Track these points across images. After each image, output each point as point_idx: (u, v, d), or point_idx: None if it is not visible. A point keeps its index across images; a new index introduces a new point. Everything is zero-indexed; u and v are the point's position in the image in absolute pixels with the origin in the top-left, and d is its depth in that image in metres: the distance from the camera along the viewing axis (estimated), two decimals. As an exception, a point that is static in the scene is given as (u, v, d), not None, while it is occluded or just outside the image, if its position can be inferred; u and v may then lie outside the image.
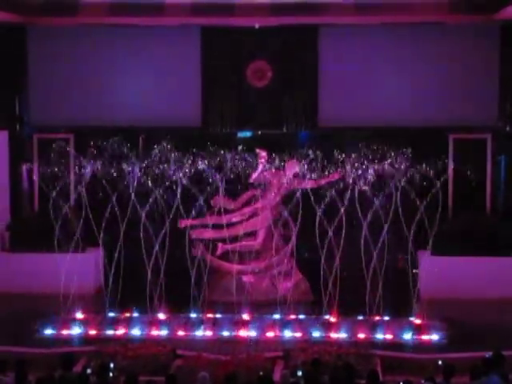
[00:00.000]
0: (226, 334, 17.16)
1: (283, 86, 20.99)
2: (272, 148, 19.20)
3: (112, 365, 13.52)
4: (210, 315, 18.07)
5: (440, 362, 13.90)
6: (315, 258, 18.39)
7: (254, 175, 19.37)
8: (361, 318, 17.78)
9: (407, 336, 16.93)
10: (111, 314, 18.17)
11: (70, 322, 17.62)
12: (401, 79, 21.52)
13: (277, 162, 19.04)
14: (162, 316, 18.00)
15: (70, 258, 18.17)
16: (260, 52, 20.61)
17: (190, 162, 18.69)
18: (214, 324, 17.61)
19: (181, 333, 17.22)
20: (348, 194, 18.17)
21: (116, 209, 18.49)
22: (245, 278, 19.37)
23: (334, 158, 18.89)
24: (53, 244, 19.08)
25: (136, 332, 17.20)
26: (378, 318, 17.74)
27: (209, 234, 19.45)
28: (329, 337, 16.81)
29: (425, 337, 16.85)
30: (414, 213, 18.28)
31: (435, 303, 18.33)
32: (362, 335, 16.89)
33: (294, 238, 19.09)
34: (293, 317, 17.97)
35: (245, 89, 20.83)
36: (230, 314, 17.99)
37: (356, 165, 18.30)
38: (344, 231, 18.06)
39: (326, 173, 18.87)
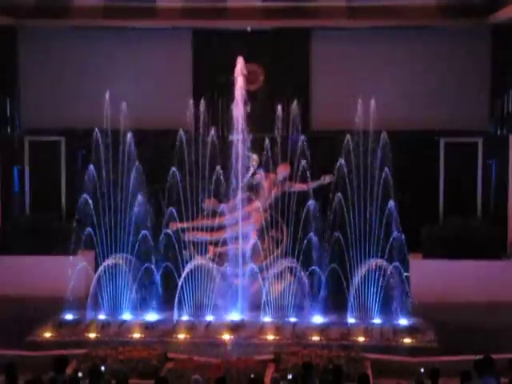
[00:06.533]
0: (217, 336, 17.14)
1: (275, 89, 21.01)
2: (263, 151, 19.20)
3: (103, 368, 13.49)
4: (201, 318, 18.07)
5: (422, 370, 13.81)
6: (306, 261, 18.41)
7: (246, 178, 19.37)
8: (352, 321, 17.78)
9: (398, 339, 16.92)
10: (102, 317, 18.13)
11: (60, 324, 17.58)
12: (392, 83, 21.56)
13: (268, 165, 19.06)
14: (153, 319, 17.98)
15: (62, 260, 18.13)
16: (252, 55, 20.61)
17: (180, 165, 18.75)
18: (205, 327, 17.61)
19: (172, 336, 17.18)
20: (339, 196, 18.24)
21: (108, 211, 18.51)
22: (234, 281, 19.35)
23: (325, 162, 18.93)
24: (44, 246, 19.02)
25: (127, 335, 17.15)
26: (368, 321, 17.77)
27: (201, 236, 19.43)
28: (320, 340, 16.79)
29: (415, 340, 16.84)
30: (405, 216, 18.35)
31: (426, 306, 18.36)
32: (352, 338, 16.87)
33: (285, 241, 19.09)
34: (284, 320, 17.97)
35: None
36: (221, 317, 18.01)
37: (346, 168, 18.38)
38: (334, 234, 18.12)
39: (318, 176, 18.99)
